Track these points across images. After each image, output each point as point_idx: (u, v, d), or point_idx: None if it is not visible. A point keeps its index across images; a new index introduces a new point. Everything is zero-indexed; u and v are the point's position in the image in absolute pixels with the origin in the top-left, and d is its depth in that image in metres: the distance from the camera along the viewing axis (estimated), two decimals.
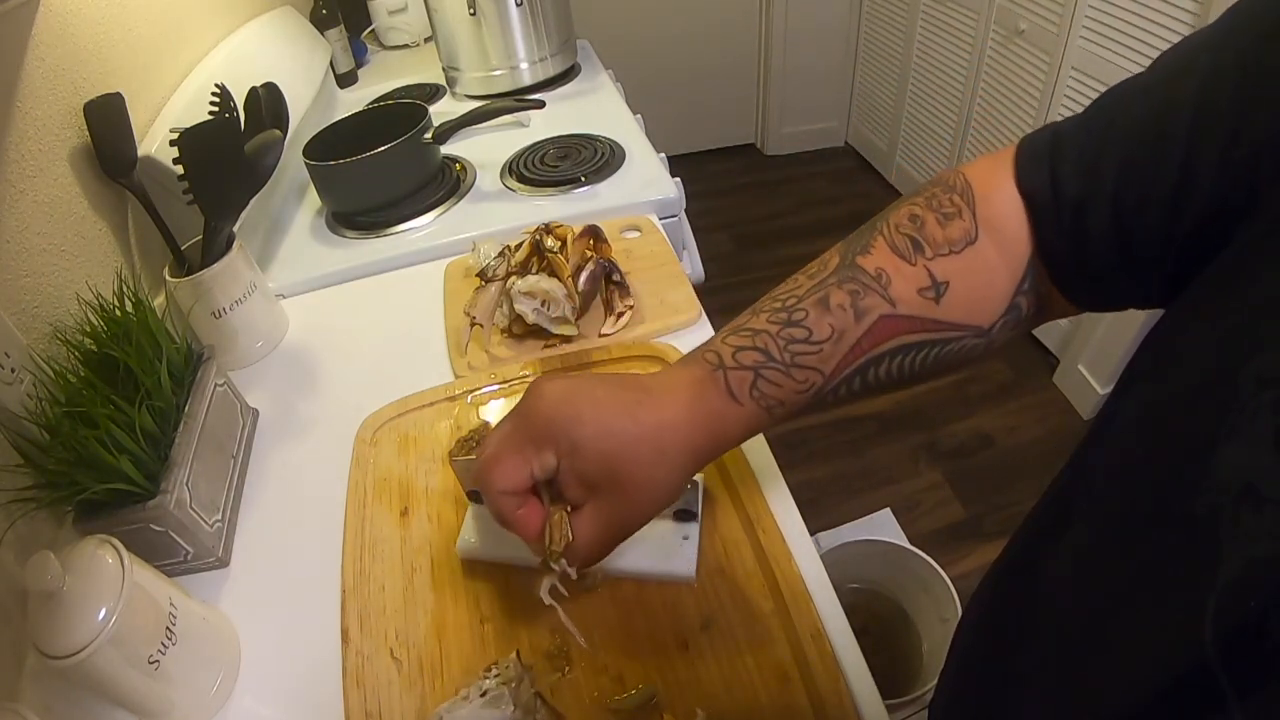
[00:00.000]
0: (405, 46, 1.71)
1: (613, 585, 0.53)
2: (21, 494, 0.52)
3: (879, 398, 0.40)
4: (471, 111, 1.07)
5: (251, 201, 0.80)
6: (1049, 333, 1.88)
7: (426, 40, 1.65)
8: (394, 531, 0.60)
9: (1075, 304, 0.38)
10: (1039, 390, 1.84)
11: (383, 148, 0.96)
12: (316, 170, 0.99)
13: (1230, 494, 0.22)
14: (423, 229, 1.00)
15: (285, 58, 1.19)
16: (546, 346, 0.75)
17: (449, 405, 0.71)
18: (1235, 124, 0.28)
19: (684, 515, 0.55)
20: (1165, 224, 0.30)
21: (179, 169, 0.69)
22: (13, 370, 0.57)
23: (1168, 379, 0.29)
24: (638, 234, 0.92)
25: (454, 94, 1.42)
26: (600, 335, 0.76)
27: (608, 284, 0.78)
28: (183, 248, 0.77)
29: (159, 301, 0.81)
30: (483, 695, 0.45)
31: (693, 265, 1.05)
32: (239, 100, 0.79)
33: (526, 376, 0.72)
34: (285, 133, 0.82)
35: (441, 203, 1.04)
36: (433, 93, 1.44)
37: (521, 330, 0.76)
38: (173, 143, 0.68)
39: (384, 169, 0.98)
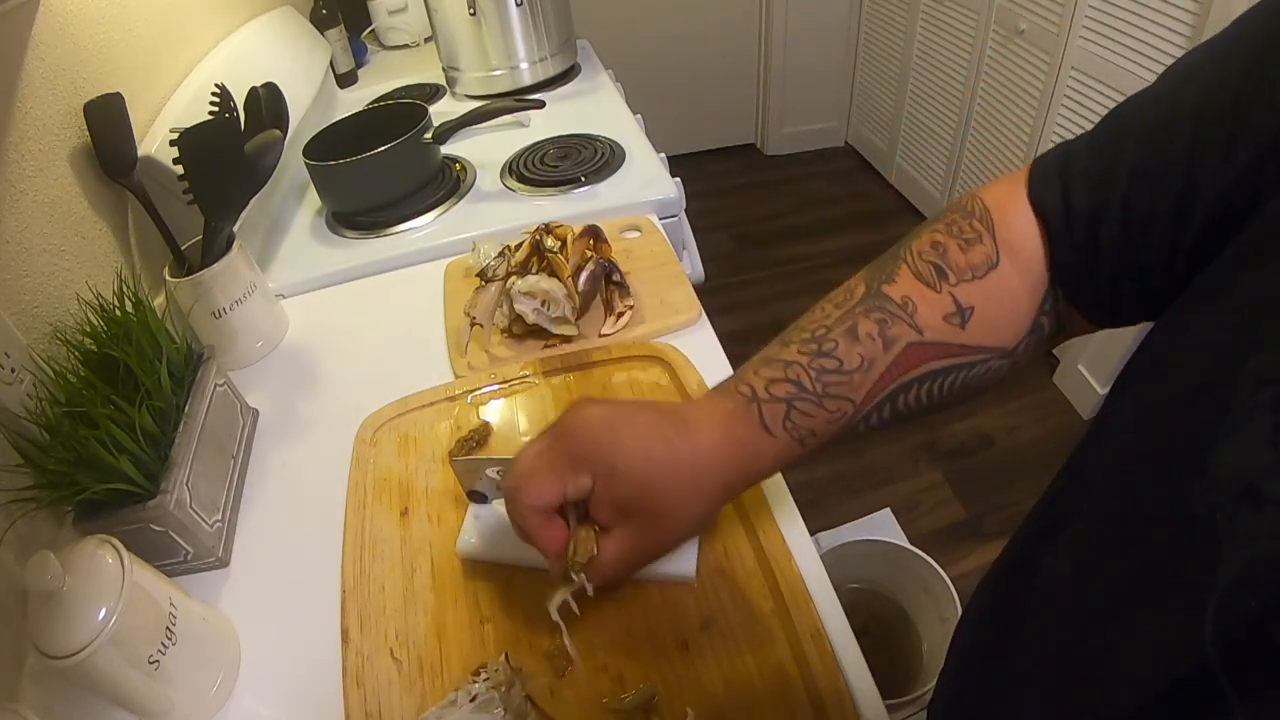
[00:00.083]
0: (405, 46, 1.71)
1: (612, 585, 0.53)
2: (21, 494, 0.52)
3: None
4: (471, 111, 1.07)
5: (251, 201, 0.80)
6: None
7: (426, 40, 1.65)
8: (394, 531, 0.60)
9: (1091, 319, 0.38)
10: (1039, 390, 1.84)
11: (383, 148, 0.96)
12: (316, 170, 0.99)
13: (1230, 494, 0.22)
14: (423, 229, 1.00)
15: (285, 58, 1.19)
16: (546, 346, 0.75)
17: (449, 405, 0.71)
18: (1236, 131, 0.28)
19: None
20: (1173, 232, 0.31)
21: (179, 169, 0.69)
22: (13, 370, 0.57)
23: (1167, 379, 0.29)
24: (638, 234, 0.92)
25: (454, 94, 1.42)
26: (600, 335, 0.76)
27: (608, 284, 0.78)
28: (183, 248, 0.77)
29: (159, 301, 0.81)
30: (472, 700, 0.45)
31: (693, 265, 1.05)
32: (239, 100, 0.79)
33: (526, 376, 0.72)
34: (285, 133, 0.82)
35: (441, 203, 1.04)
36: (433, 93, 1.44)
37: (521, 330, 0.76)
38: (173, 143, 0.68)
39: (384, 169, 0.98)
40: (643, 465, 0.38)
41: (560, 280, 0.73)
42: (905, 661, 1.12)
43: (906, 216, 2.55)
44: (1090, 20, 1.59)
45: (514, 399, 0.71)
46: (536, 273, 0.75)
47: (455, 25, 1.31)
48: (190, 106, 0.87)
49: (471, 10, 1.27)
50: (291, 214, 1.08)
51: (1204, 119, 0.29)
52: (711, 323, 0.78)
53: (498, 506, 0.57)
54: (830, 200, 2.72)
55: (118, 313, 0.62)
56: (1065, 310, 0.38)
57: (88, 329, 0.61)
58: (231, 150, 0.73)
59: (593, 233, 0.77)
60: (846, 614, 0.51)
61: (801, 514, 0.56)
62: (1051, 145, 1.41)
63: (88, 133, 0.74)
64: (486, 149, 1.16)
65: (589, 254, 0.76)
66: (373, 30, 1.73)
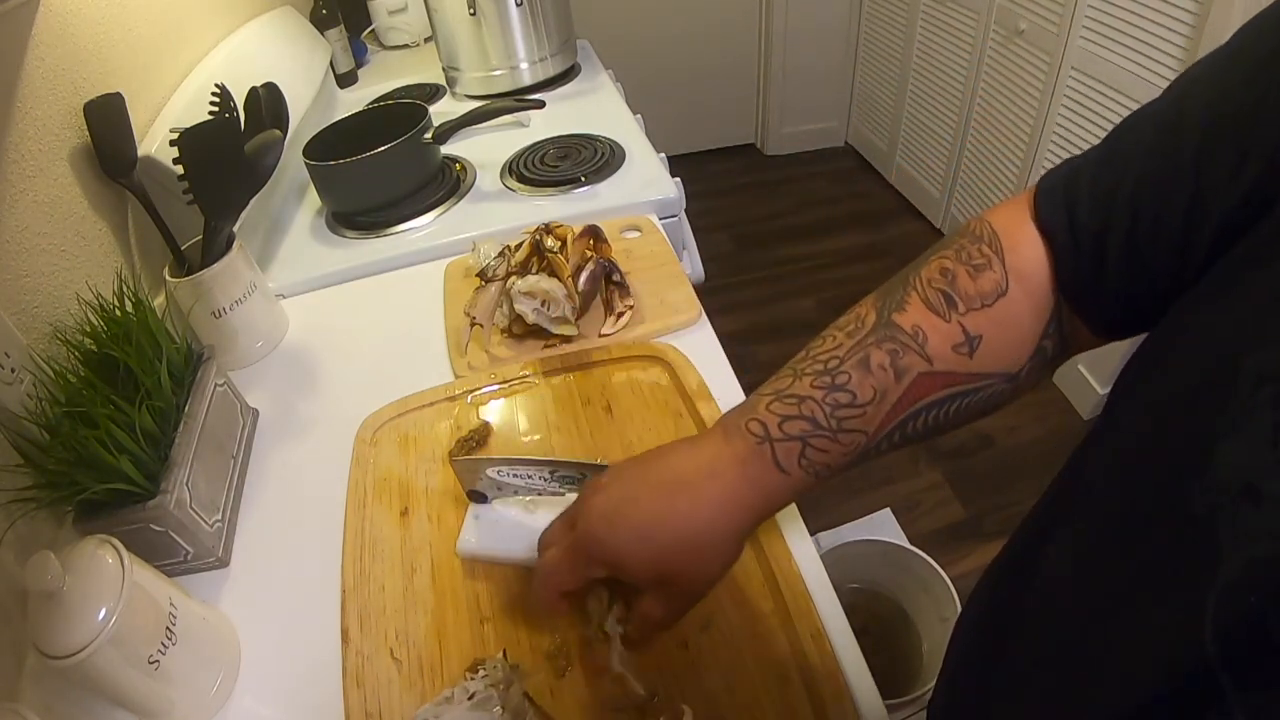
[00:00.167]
0: (405, 46, 1.71)
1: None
2: (21, 494, 0.52)
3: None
4: (471, 111, 1.07)
5: (251, 201, 0.80)
6: None
7: (426, 40, 1.65)
8: (394, 531, 0.60)
9: (1096, 331, 0.38)
10: (1039, 390, 1.83)
11: (383, 148, 0.96)
12: (316, 170, 0.99)
13: (1230, 493, 0.22)
14: (423, 229, 1.00)
15: (285, 58, 1.19)
16: (546, 346, 0.75)
17: (449, 405, 0.71)
18: (1245, 139, 0.28)
19: None
20: (1183, 241, 0.30)
21: (179, 169, 0.69)
22: (13, 370, 0.57)
23: (1167, 378, 0.29)
24: (638, 234, 0.92)
25: (454, 94, 1.42)
26: (600, 335, 0.76)
27: (608, 284, 0.78)
28: (183, 248, 0.77)
29: (159, 301, 0.81)
30: (470, 698, 0.45)
31: (693, 265, 1.05)
32: (239, 100, 0.79)
33: (526, 376, 0.72)
34: (285, 133, 0.82)
35: (441, 203, 1.04)
36: (433, 93, 1.44)
37: (521, 330, 0.76)
38: (173, 143, 0.68)
39: (384, 169, 0.98)
40: (647, 552, 0.39)
41: (560, 280, 0.73)
42: (905, 661, 1.12)
43: (906, 216, 2.55)
44: (1090, 20, 1.59)
45: (514, 399, 0.71)
46: (536, 273, 0.75)
47: (455, 25, 1.31)
48: (190, 106, 0.87)
49: (471, 10, 1.27)
50: (291, 214, 1.08)
51: (1211, 128, 0.29)
52: (711, 323, 0.78)
53: (498, 506, 0.57)
54: (830, 200, 2.72)
55: (118, 313, 0.62)
56: (1070, 328, 0.38)
57: (88, 329, 0.61)
58: (231, 150, 0.73)
59: (593, 233, 0.77)
60: (846, 614, 0.51)
61: (801, 514, 0.56)
62: (1051, 145, 1.42)
63: (88, 133, 0.74)
64: (486, 149, 1.16)
65: (589, 254, 0.76)
66: (373, 30, 1.73)
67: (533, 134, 1.19)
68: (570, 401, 0.70)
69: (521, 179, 1.07)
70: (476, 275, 0.78)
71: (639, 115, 1.26)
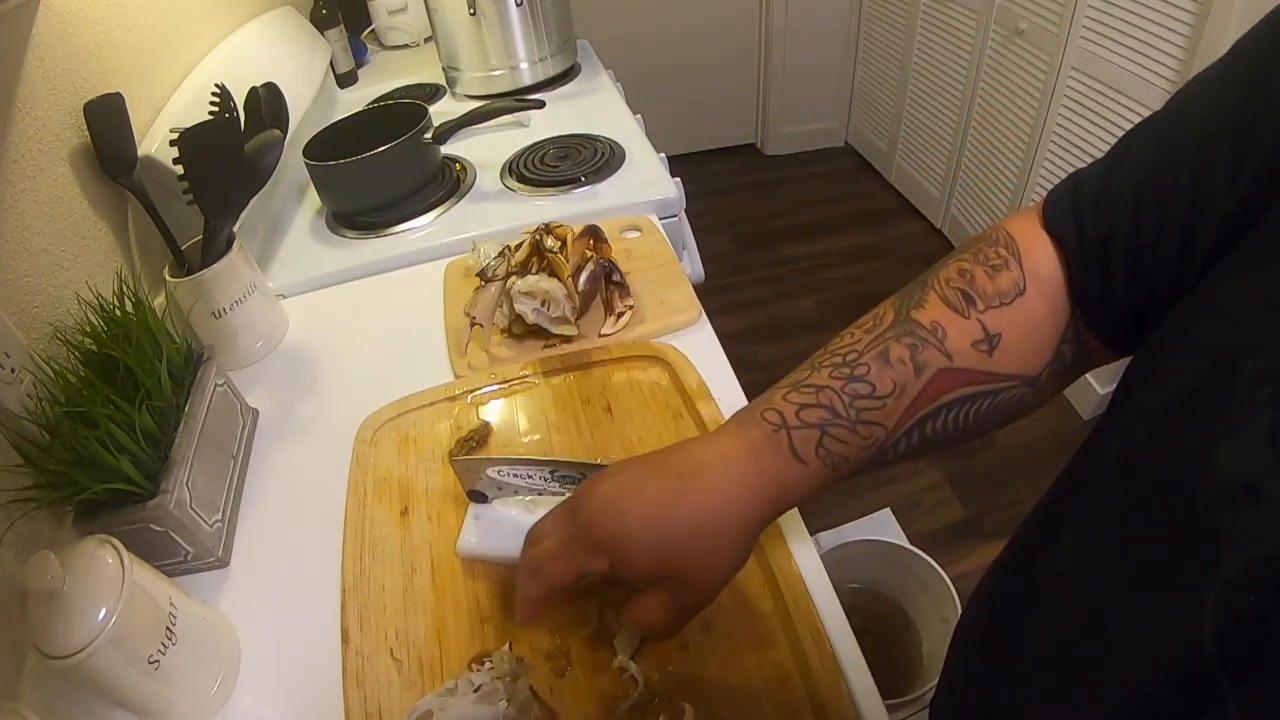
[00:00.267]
0: (405, 46, 1.71)
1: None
2: (21, 494, 0.52)
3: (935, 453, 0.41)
4: (471, 111, 1.07)
5: (251, 201, 0.80)
6: None
7: (426, 40, 1.65)
8: (394, 531, 0.60)
9: (1110, 346, 0.38)
10: None
11: (383, 148, 0.96)
12: (316, 170, 0.99)
13: (1229, 493, 0.22)
14: (423, 229, 1.00)
15: (285, 58, 1.19)
16: (546, 346, 0.75)
17: (449, 405, 0.71)
18: (1243, 147, 0.28)
19: None
20: (1183, 250, 0.31)
21: (179, 169, 0.69)
22: (13, 370, 0.57)
23: (1167, 380, 0.29)
24: (638, 234, 0.92)
25: (454, 94, 1.42)
26: (600, 335, 0.76)
27: (608, 284, 0.78)
28: (183, 248, 0.77)
29: (159, 301, 0.81)
30: (476, 690, 0.44)
31: (693, 265, 1.05)
32: (239, 100, 0.79)
33: (526, 376, 0.72)
34: (285, 133, 0.82)
35: (441, 203, 1.04)
36: (433, 93, 1.44)
37: (521, 330, 0.76)
38: (173, 143, 0.68)
39: (384, 169, 0.98)
40: (654, 539, 0.37)
41: (560, 280, 0.73)
42: (905, 661, 1.12)
43: (906, 216, 2.55)
44: (1090, 20, 1.59)
45: (514, 399, 0.71)
46: (536, 273, 0.75)
47: (455, 25, 1.31)
48: (190, 106, 0.87)
49: (471, 10, 1.27)
50: (291, 214, 1.08)
51: (1209, 137, 0.30)
52: (711, 323, 0.78)
53: (498, 506, 0.57)
54: (830, 200, 2.72)
55: (118, 313, 0.62)
56: (1086, 339, 0.38)
57: (88, 329, 0.61)
58: (231, 150, 0.73)
59: (593, 233, 0.77)
60: (846, 614, 0.51)
61: (801, 514, 0.56)
62: (1051, 145, 1.42)
63: (88, 133, 0.74)
64: (486, 149, 1.16)
65: (589, 254, 0.76)
66: (373, 30, 1.73)
67: (533, 134, 1.19)
68: (570, 401, 0.70)
69: (521, 179, 1.07)
70: (476, 275, 0.78)
71: (639, 115, 1.26)
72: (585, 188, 1.02)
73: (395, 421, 0.70)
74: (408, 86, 1.48)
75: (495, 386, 0.72)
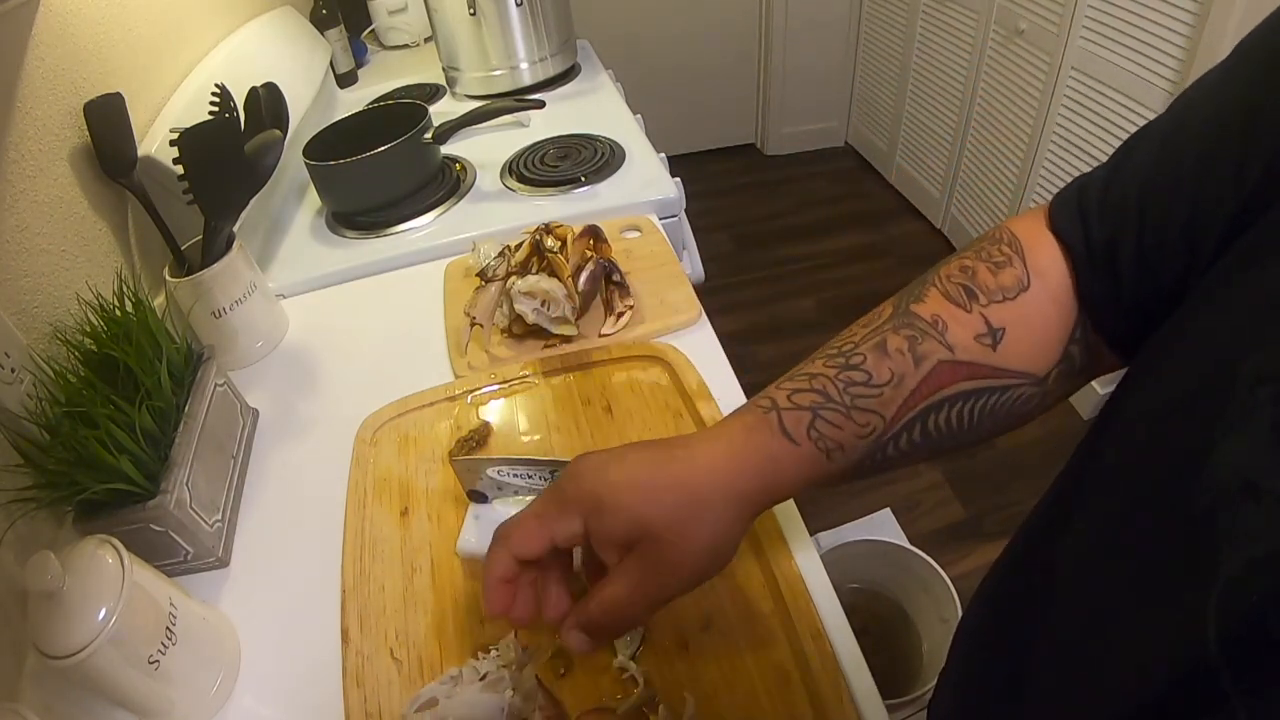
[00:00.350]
0: (405, 46, 1.71)
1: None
2: (21, 494, 0.52)
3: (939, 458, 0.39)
4: (471, 111, 1.07)
5: (251, 201, 0.80)
6: None
7: (426, 40, 1.65)
8: (394, 531, 0.60)
9: (1118, 350, 0.37)
10: None
11: (383, 148, 0.96)
12: (316, 170, 0.99)
13: (1229, 492, 0.22)
14: (423, 229, 1.00)
15: (285, 58, 1.19)
16: (546, 346, 0.75)
17: (449, 405, 0.71)
18: (1246, 146, 0.28)
19: None
20: (1189, 251, 0.30)
21: (179, 169, 0.69)
22: (13, 370, 0.57)
23: (1167, 380, 0.29)
24: (638, 234, 0.92)
25: (454, 94, 1.42)
26: (600, 335, 0.76)
27: (608, 284, 0.78)
28: (183, 248, 0.77)
29: (159, 301, 0.81)
30: (482, 678, 0.44)
31: (693, 265, 1.05)
32: (239, 100, 0.79)
33: (526, 376, 0.72)
34: (285, 133, 0.82)
35: (441, 203, 1.04)
36: (433, 93, 1.44)
37: (521, 330, 0.76)
38: (173, 143, 0.68)
39: (384, 169, 0.98)
40: (630, 495, 0.35)
41: (560, 280, 0.73)
42: (905, 661, 1.12)
43: (906, 216, 2.55)
44: (1090, 20, 1.59)
45: (514, 399, 0.71)
46: (536, 273, 0.75)
47: (455, 25, 1.31)
48: (190, 106, 0.87)
49: (471, 10, 1.27)
50: (291, 214, 1.08)
51: (1212, 138, 0.30)
52: (711, 323, 0.78)
53: (498, 506, 0.57)
54: (830, 200, 2.72)
55: (118, 313, 0.62)
56: (1094, 341, 0.38)
57: (88, 329, 0.61)
58: (231, 150, 0.73)
59: (593, 233, 0.77)
60: (846, 614, 0.51)
61: (801, 514, 0.56)
62: (1051, 145, 1.43)
63: (88, 133, 0.74)
64: (486, 149, 1.16)
65: (589, 254, 0.76)
66: (373, 30, 1.73)
67: (533, 134, 1.19)
68: (570, 401, 0.70)
69: (521, 179, 1.07)
70: (476, 275, 0.78)
71: (639, 115, 1.26)
72: (585, 188, 1.02)
73: (395, 421, 0.70)
74: (408, 86, 1.48)
75: (495, 386, 0.72)
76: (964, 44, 2.09)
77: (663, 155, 1.09)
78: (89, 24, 0.78)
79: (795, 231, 2.56)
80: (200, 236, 0.75)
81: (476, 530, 0.56)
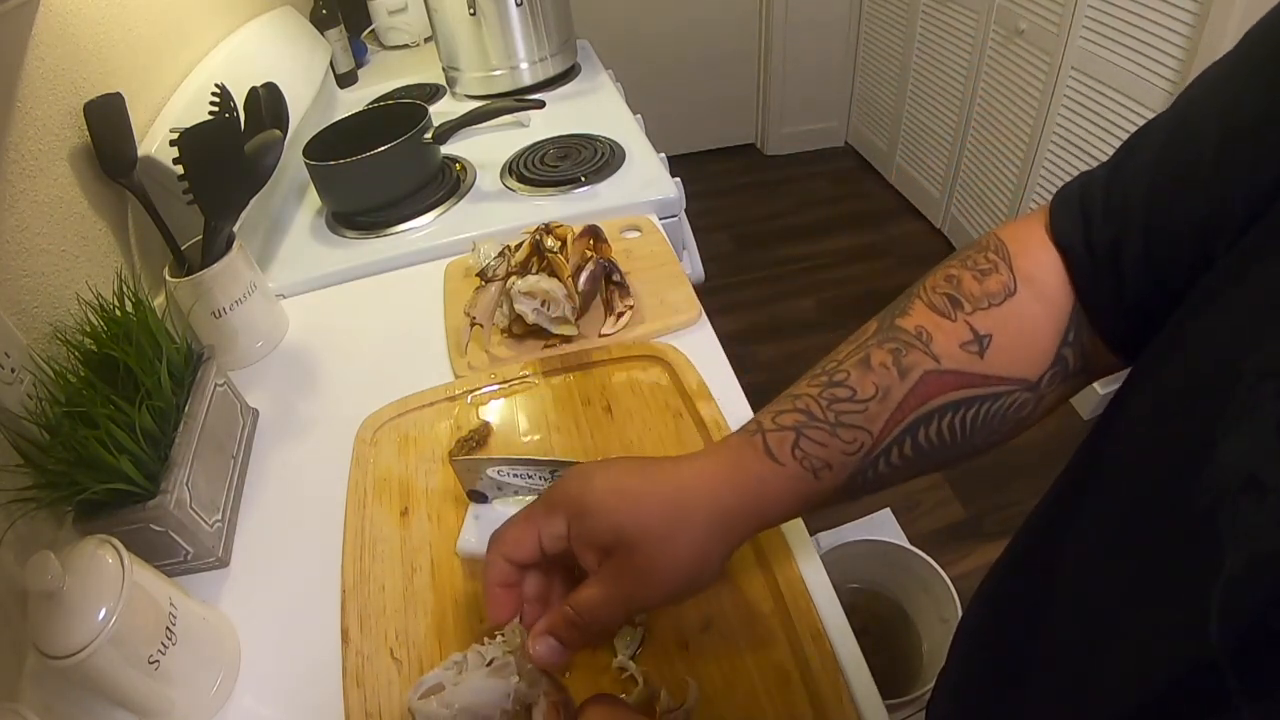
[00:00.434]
0: (405, 46, 1.71)
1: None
2: (21, 494, 0.52)
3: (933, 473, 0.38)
4: (471, 111, 1.07)
5: (251, 201, 0.80)
6: None
7: (426, 40, 1.65)
8: (394, 531, 0.60)
9: (1117, 350, 0.37)
10: None
11: (383, 148, 0.96)
12: (316, 170, 0.99)
13: (1231, 490, 0.22)
14: (423, 229, 1.00)
15: (285, 58, 1.19)
16: (546, 346, 0.75)
17: (449, 405, 0.71)
18: (1259, 144, 0.27)
19: None
20: (1200, 251, 0.30)
21: (179, 169, 0.69)
22: (13, 370, 0.57)
23: (1168, 379, 0.29)
24: (638, 234, 0.92)
25: (454, 94, 1.42)
26: (600, 335, 0.75)
27: (608, 284, 0.78)
28: (183, 248, 0.77)
29: (159, 301, 0.81)
30: (488, 664, 0.44)
31: (693, 265, 1.05)
32: (239, 100, 0.79)
33: (526, 376, 0.72)
34: (285, 133, 0.82)
35: (441, 203, 1.04)
36: (433, 93, 1.44)
37: (521, 330, 0.76)
38: (173, 143, 0.68)
39: (384, 169, 0.98)
40: (614, 500, 0.36)
41: (560, 280, 0.73)
42: (905, 661, 1.12)
43: (906, 216, 2.55)
44: (1090, 20, 1.59)
45: (514, 399, 0.71)
46: (536, 273, 0.75)
47: (455, 25, 1.31)
48: (190, 106, 0.87)
49: (471, 10, 1.27)
50: (291, 214, 1.08)
51: (1224, 137, 0.29)
52: (711, 323, 0.78)
53: (498, 506, 0.57)
54: (830, 200, 2.72)
55: (118, 313, 0.62)
56: (1091, 344, 0.37)
57: (88, 329, 0.61)
58: (231, 150, 0.73)
59: (593, 233, 0.77)
60: (846, 614, 0.51)
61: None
62: (1051, 145, 1.42)
63: (88, 133, 0.74)
64: (486, 149, 1.16)
65: (589, 254, 0.76)
66: (373, 30, 1.73)
67: (533, 134, 1.19)
68: (570, 401, 0.70)
69: (521, 179, 1.07)
70: (476, 275, 0.78)
71: (639, 115, 1.26)
72: (585, 188, 1.02)
73: (395, 421, 0.70)
74: (408, 86, 1.48)
75: (495, 386, 0.72)
76: (964, 44, 2.09)
77: (663, 155, 1.09)
78: (89, 24, 0.78)
79: (795, 231, 2.56)
80: (200, 236, 0.75)
81: (476, 530, 0.56)
